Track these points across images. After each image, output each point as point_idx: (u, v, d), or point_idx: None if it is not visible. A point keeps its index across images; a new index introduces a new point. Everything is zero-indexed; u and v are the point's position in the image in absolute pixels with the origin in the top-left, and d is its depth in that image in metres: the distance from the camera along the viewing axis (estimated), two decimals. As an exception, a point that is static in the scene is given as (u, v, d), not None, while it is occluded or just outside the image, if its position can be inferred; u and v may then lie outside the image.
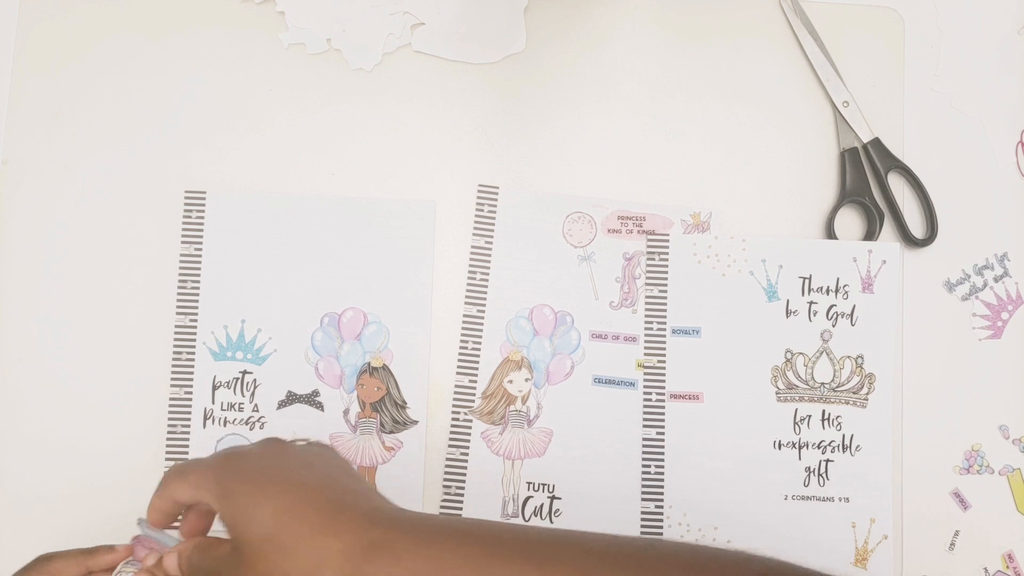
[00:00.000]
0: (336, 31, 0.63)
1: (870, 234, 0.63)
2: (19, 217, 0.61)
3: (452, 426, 0.60)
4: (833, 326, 0.62)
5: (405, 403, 0.60)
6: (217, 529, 0.41)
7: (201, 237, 0.61)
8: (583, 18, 0.64)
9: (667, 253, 0.62)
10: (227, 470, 0.40)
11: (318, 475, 0.40)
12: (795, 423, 0.61)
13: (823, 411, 0.61)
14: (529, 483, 0.60)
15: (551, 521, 0.60)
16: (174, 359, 0.60)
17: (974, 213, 0.64)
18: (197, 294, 0.60)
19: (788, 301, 0.62)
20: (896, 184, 0.64)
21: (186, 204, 0.61)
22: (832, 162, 0.64)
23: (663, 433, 0.60)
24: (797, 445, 0.61)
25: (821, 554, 0.60)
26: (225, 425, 0.59)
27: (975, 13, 0.66)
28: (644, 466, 0.60)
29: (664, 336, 0.61)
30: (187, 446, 0.59)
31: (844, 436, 0.61)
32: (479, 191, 0.62)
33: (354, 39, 0.63)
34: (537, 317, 0.61)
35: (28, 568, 0.45)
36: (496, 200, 0.62)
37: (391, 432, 0.60)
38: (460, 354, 0.61)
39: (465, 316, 0.61)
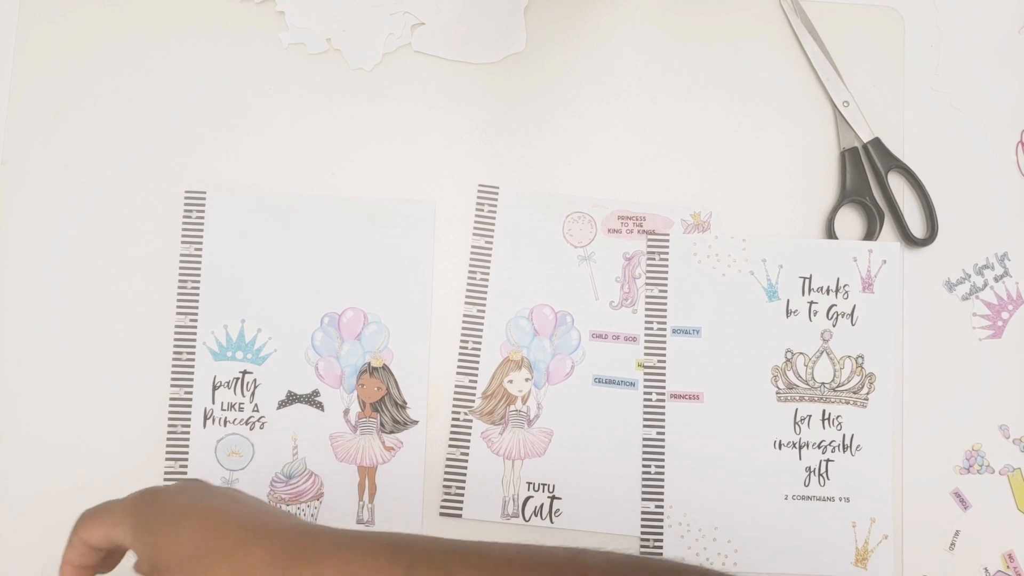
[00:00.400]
0: (336, 31, 0.63)
1: (870, 234, 0.63)
2: (19, 217, 0.61)
3: (452, 426, 0.60)
4: (833, 326, 0.62)
5: (405, 403, 0.60)
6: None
7: (201, 237, 0.61)
8: (583, 18, 0.64)
9: (667, 253, 0.62)
10: (145, 503, 0.40)
11: (239, 502, 0.40)
12: (795, 423, 0.61)
13: (823, 411, 0.61)
14: (529, 483, 0.60)
15: (551, 521, 0.60)
16: (174, 359, 0.60)
17: (974, 213, 0.64)
18: (197, 294, 0.60)
19: (788, 301, 0.62)
20: (896, 184, 0.64)
21: (186, 204, 0.61)
22: (832, 162, 0.64)
23: (663, 433, 0.60)
24: (797, 445, 0.61)
25: (821, 554, 0.60)
26: (225, 425, 0.59)
27: (975, 13, 0.66)
28: (644, 466, 0.60)
29: (664, 336, 0.61)
30: (187, 446, 0.59)
31: (844, 436, 0.61)
32: (479, 191, 0.62)
33: (354, 39, 0.63)
34: (537, 317, 0.61)
35: None
36: (496, 200, 0.62)
37: (391, 432, 0.60)
38: (460, 354, 0.61)
39: (465, 316, 0.61)
